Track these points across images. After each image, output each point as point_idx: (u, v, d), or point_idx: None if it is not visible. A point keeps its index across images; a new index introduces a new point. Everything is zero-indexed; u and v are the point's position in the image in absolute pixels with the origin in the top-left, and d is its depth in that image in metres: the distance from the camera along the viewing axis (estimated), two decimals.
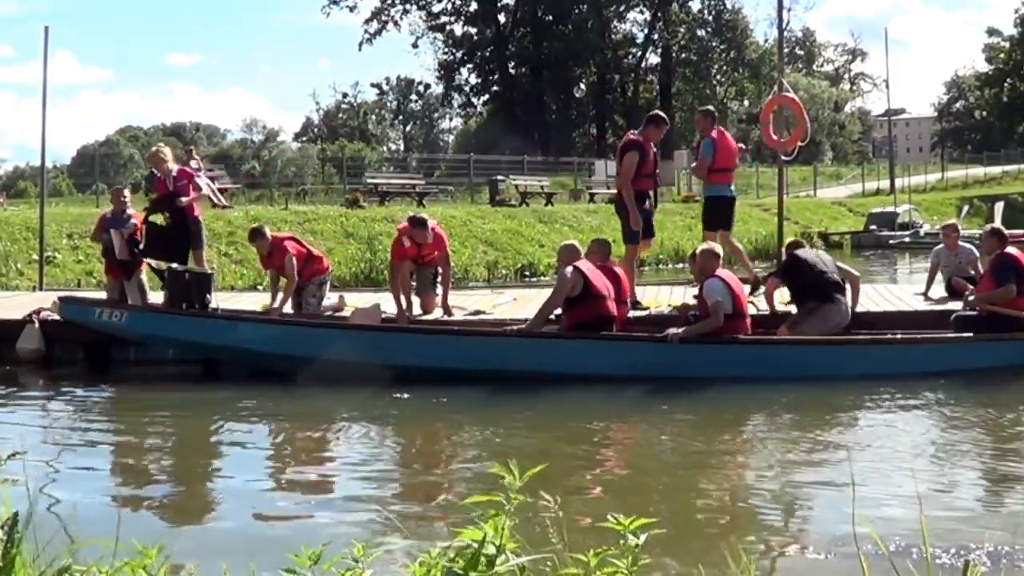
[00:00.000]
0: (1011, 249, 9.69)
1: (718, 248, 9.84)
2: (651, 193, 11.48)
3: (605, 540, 2.48)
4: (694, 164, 11.36)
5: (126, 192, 12.30)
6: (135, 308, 10.63)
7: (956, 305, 10.33)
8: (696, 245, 10.81)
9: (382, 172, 42.72)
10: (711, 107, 12.62)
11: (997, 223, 13.91)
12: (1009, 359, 9.26)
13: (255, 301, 11.76)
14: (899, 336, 9.57)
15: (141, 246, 11.27)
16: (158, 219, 11.11)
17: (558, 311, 9.50)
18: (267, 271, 11.55)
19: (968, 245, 11.91)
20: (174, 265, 10.28)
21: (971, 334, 9.47)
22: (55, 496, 5.61)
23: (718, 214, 11.50)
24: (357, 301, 11.39)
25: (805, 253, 10.20)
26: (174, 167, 11.28)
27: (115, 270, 11.56)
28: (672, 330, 9.21)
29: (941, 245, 12.10)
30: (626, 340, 9.47)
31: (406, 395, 8.74)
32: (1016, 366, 9.18)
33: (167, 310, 10.03)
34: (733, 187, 11.76)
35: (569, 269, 9.32)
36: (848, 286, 10.08)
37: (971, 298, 9.88)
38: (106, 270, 11.95)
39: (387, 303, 10.82)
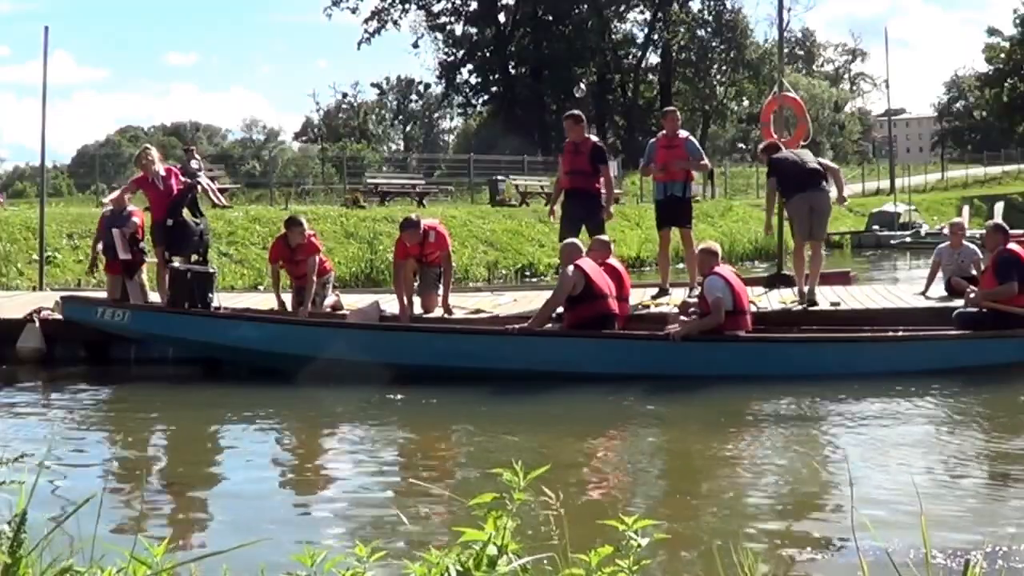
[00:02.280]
0: (1014, 246, 9.69)
1: (715, 246, 9.89)
2: (598, 193, 10.94)
3: (606, 540, 2.48)
4: (680, 160, 11.34)
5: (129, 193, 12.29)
6: (138, 307, 10.64)
7: (957, 304, 10.32)
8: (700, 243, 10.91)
9: (382, 172, 42.68)
10: (673, 107, 12.82)
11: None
12: (1011, 357, 9.26)
13: (257, 302, 11.76)
14: (901, 333, 9.57)
15: (142, 245, 11.36)
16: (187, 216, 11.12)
17: (559, 309, 9.51)
18: (274, 264, 11.05)
19: (970, 245, 11.89)
20: (176, 264, 10.35)
21: (973, 331, 9.48)
22: (55, 496, 5.62)
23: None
24: (356, 302, 11.39)
25: (781, 153, 11.16)
26: (161, 168, 11.24)
27: (115, 267, 11.58)
28: (674, 327, 9.23)
29: (944, 244, 12.06)
30: (628, 338, 9.48)
31: (399, 396, 8.73)
32: (1018, 364, 9.18)
33: (170, 309, 10.03)
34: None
35: (571, 268, 9.33)
36: (831, 177, 11.00)
37: (972, 295, 9.89)
38: (106, 267, 11.96)
39: (386, 303, 10.83)
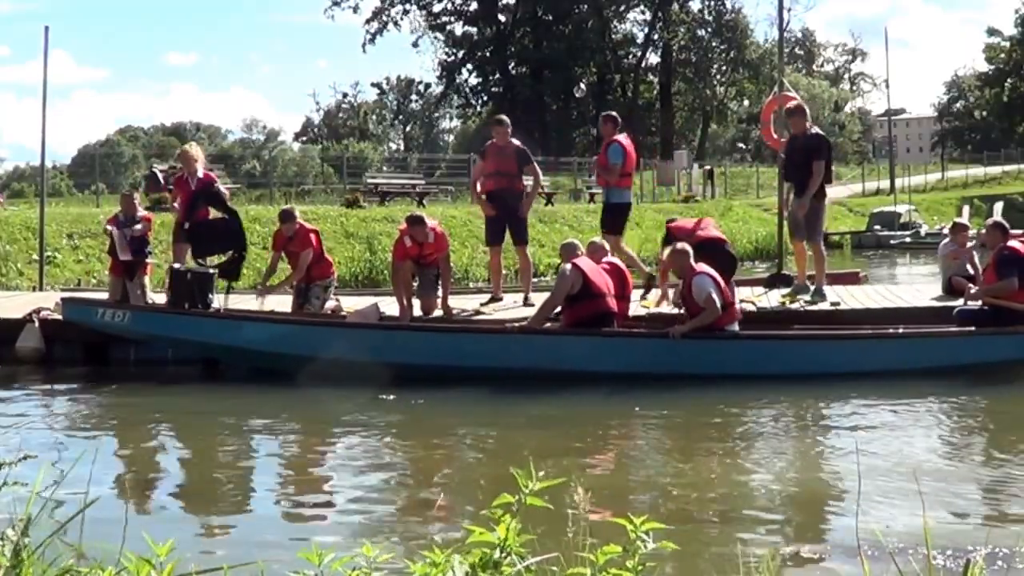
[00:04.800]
0: (1014, 243, 9.69)
1: (686, 246, 9.64)
2: (521, 192, 11.41)
3: (608, 539, 2.47)
4: (600, 167, 11.54)
5: (136, 196, 12.32)
6: (138, 308, 10.65)
7: (958, 303, 10.31)
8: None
9: (382, 172, 42.66)
10: (614, 112, 12.69)
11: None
12: (1012, 354, 9.26)
13: (257, 302, 11.74)
14: (902, 331, 9.56)
15: (150, 248, 11.48)
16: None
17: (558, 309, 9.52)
18: (275, 252, 11.43)
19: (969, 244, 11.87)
20: (176, 265, 10.38)
21: (973, 328, 9.47)
22: (55, 497, 5.61)
23: (623, 219, 11.75)
24: (356, 304, 11.39)
25: None
26: (200, 170, 11.21)
27: (118, 268, 11.61)
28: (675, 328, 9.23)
29: (947, 240, 12.01)
30: (627, 337, 9.48)
31: (398, 397, 8.72)
32: (1019, 361, 9.17)
33: (170, 310, 10.03)
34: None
35: (568, 267, 9.33)
36: None
37: (973, 291, 9.89)
38: (111, 268, 12.02)
39: (386, 305, 10.82)
